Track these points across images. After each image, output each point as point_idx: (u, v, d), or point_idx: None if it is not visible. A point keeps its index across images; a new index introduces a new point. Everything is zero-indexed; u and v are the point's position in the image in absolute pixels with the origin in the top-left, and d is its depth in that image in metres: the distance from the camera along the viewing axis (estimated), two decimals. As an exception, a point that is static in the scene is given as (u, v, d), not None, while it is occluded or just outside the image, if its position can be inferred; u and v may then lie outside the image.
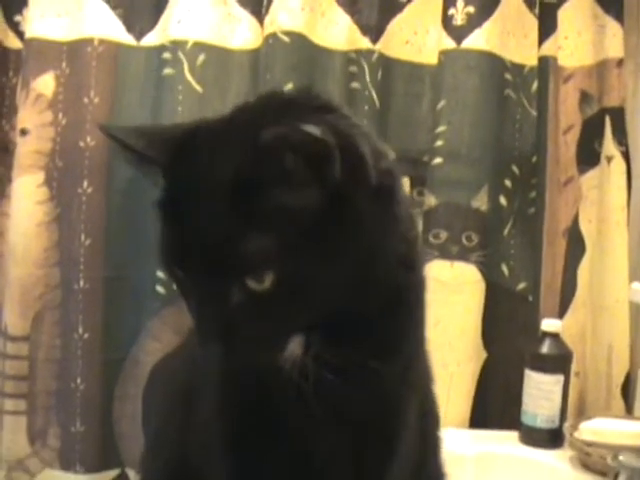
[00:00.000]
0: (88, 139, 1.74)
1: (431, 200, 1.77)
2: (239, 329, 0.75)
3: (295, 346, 0.80)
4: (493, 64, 1.79)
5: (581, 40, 1.82)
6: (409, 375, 0.87)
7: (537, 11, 1.82)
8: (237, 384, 0.85)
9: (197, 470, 0.90)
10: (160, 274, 1.71)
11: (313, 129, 0.70)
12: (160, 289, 1.72)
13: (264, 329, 0.77)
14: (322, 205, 0.74)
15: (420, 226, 1.76)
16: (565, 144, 1.83)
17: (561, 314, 1.82)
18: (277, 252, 0.73)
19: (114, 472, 1.77)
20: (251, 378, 0.83)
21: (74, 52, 1.76)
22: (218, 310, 0.75)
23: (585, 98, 1.83)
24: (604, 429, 1.55)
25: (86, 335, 1.74)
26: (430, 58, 1.82)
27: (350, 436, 0.84)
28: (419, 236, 0.91)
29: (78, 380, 1.74)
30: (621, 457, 1.30)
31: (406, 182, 1.80)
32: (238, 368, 0.83)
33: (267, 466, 0.84)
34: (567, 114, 1.83)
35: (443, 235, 1.76)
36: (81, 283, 1.74)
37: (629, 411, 1.76)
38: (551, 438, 1.64)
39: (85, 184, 1.74)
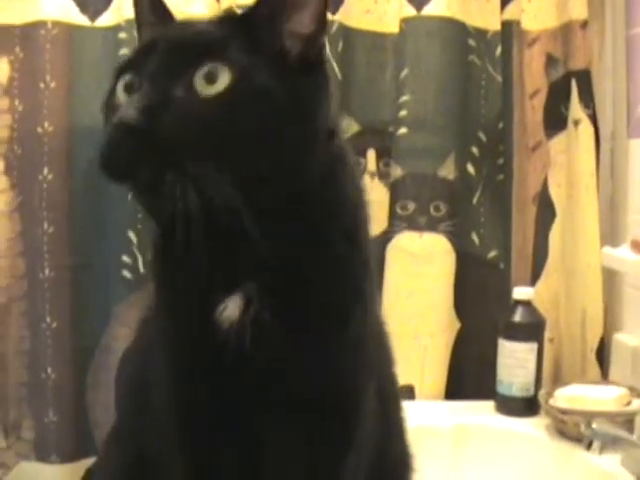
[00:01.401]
0: (46, 125, 1.70)
1: (397, 171, 1.75)
2: (166, 115, 0.72)
3: (233, 307, 0.78)
4: (455, 30, 1.76)
5: (544, 2, 1.79)
6: (364, 358, 0.85)
7: (498, -26, 1.79)
8: (185, 369, 0.83)
9: (153, 461, 0.88)
10: (126, 259, 1.69)
11: None
12: (127, 274, 1.70)
13: (195, 135, 0.72)
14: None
15: (387, 198, 1.75)
16: (532, 109, 1.81)
17: (533, 280, 1.80)
18: (245, 58, 0.74)
19: (90, 460, 1.75)
20: (194, 353, 0.82)
21: (27, 36, 1.72)
22: (153, 92, 0.73)
23: (550, 61, 1.80)
24: (579, 395, 1.54)
25: (54, 324, 1.72)
26: (391, 27, 1.79)
27: (302, 419, 0.82)
28: (370, 218, 0.88)
29: (49, 370, 1.72)
30: (594, 425, 1.30)
31: (372, 154, 1.79)
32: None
33: (220, 455, 0.83)
34: (533, 78, 1.81)
35: (411, 206, 1.74)
36: (46, 272, 1.71)
37: (604, 376, 1.75)
38: (527, 406, 1.63)
39: (45, 171, 1.70)
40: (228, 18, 0.82)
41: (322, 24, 0.79)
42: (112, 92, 0.79)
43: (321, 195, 0.80)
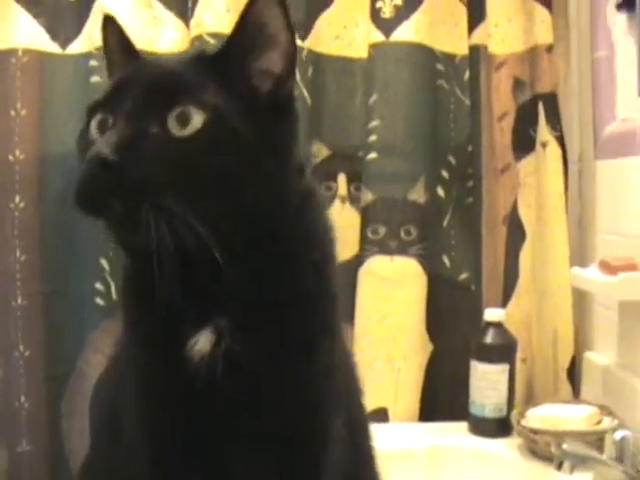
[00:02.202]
0: (17, 152, 1.71)
1: (368, 196, 1.76)
2: (141, 152, 0.73)
3: (204, 342, 0.79)
4: (423, 55, 1.78)
5: (511, 27, 1.82)
6: (332, 388, 0.86)
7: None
8: (156, 400, 0.84)
9: None
10: (99, 286, 1.69)
11: None
12: (99, 301, 1.70)
13: (165, 172, 0.74)
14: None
15: (358, 222, 1.76)
16: (500, 131, 1.83)
17: (505, 302, 1.82)
18: (212, 95, 0.77)
19: (65, 489, 1.75)
20: (164, 385, 0.82)
21: (-2, 63, 1.72)
22: (128, 128, 0.74)
23: (518, 85, 1.83)
24: (550, 415, 1.55)
25: (27, 352, 1.71)
26: (360, 52, 1.81)
27: (270, 451, 0.83)
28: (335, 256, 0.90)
29: (22, 398, 1.71)
30: (564, 445, 1.30)
31: (342, 178, 1.80)
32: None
33: None
34: (500, 101, 1.83)
35: (381, 230, 1.75)
36: (19, 300, 1.71)
37: (576, 394, 1.77)
38: (499, 427, 1.64)
39: (17, 199, 1.71)
40: (199, 57, 0.83)
41: (292, 64, 0.81)
42: (85, 130, 0.80)
43: (291, 231, 0.82)
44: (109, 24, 0.89)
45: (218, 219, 0.74)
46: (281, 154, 0.80)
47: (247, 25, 0.79)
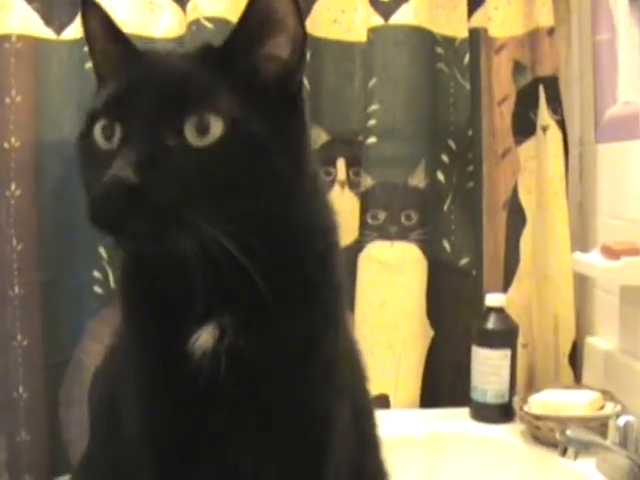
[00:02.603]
0: (13, 140, 1.69)
1: (367, 181, 1.75)
2: (161, 170, 0.70)
3: (207, 337, 0.78)
4: (423, 38, 1.76)
5: (511, 9, 1.80)
6: (336, 378, 0.85)
7: (465, -18, 1.80)
8: (157, 394, 0.82)
9: None
10: (97, 274, 1.68)
11: None
12: (98, 289, 1.69)
13: (186, 186, 0.71)
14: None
15: (358, 207, 1.75)
16: (500, 115, 1.81)
17: (505, 287, 1.81)
18: (230, 101, 0.74)
19: (65, 478, 1.73)
20: (164, 372, 0.81)
21: (-9, 50, 1.70)
22: (145, 146, 0.71)
23: (518, 68, 1.81)
24: (553, 401, 1.54)
25: (25, 342, 1.70)
26: (359, 36, 1.79)
27: (275, 444, 0.81)
28: (339, 243, 0.89)
29: (20, 388, 1.70)
30: (568, 431, 1.30)
31: (341, 163, 1.79)
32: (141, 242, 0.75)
33: None
34: (501, 85, 1.82)
35: (381, 216, 1.74)
36: (16, 289, 1.69)
37: (577, 380, 1.77)
38: (501, 413, 1.64)
39: (13, 187, 1.69)
40: (206, 50, 0.79)
41: (300, 52, 0.79)
42: (86, 134, 0.76)
43: (297, 221, 0.80)
44: (90, 9, 0.82)
45: (237, 223, 0.72)
46: (295, 148, 0.78)
47: (255, 12, 0.76)
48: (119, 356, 0.90)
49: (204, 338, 0.78)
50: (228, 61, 0.76)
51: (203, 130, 0.72)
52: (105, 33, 0.82)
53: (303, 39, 0.78)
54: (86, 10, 0.83)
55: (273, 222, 0.77)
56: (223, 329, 0.78)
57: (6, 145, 1.68)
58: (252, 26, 0.77)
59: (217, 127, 0.72)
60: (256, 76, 0.77)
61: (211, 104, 0.73)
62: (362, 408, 0.95)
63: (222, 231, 0.70)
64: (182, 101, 0.73)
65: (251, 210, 0.74)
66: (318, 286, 0.82)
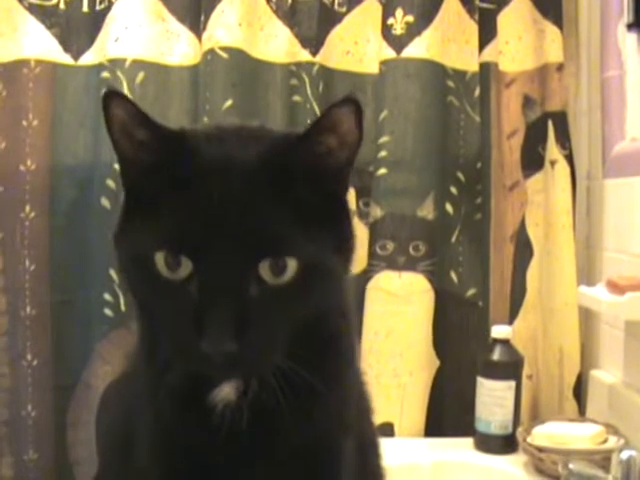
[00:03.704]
0: (29, 162, 1.72)
1: (377, 211, 1.76)
2: (253, 327, 0.70)
3: (229, 390, 0.78)
4: (434, 71, 1.79)
5: (522, 45, 1.83)
6: (347, 416, 0.86)
7: (477, 17, 1.82)
8: (171, 430, 0.82)
9: None
10: (107, 297, 1.70)
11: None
12: (108, 312, 1.71)
13: (271, 331, 0.73)
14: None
15: (367, 237, 1.77)
16: (509, 149, 1.84)
17: (511, 318, 1.82)
18: (302, 239, 0.73)
19: (70, 499, 1.75)
20: (184, 422, 0.81)
21: (10, 74, 1.74)
22: (234, 303, 0.70)
23: (528, 102, 1.83)
24: (556, 433, 1.55)
25: (35, 362, 1.72)
26: (371, 68, 1.82)
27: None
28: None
29: (29, 407, 1.72)
30: (570, 465, 1.31)
31: (352, 193, 1.80)
32: (238, 376, 0.78)
33: None
34: (510, 119, 1.84)
35: (390, 246, 1.75)
36: (28, 309, 1.72)
37: (582, 412, 1.77)
38: (505, 444, 1.64)
39: (27, 208, 1.72)
40: (269, 157, 0.74)
41: (354, 158, 0.78)
42: (149, 260, 0.73)
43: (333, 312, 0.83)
44: (116, 100, 0.75)
45: (298, 341, 0.75)
46: (345, 249, 0.79)
47: (324, 123, 0.75)
48: (133, 385, 0.90)
49: (226, 391, 0.78)
50: (293, 173, 0.74)
51: (279, 271, 0.72)
52: (135, 122, 0.75)
53: (359, 145, 0.77)
54: (111, 102, 0.75)
55: (320, 323, 0.79)
56: (247, 383, 0.78)
57: (22, 168, 1.72)
58: (319, 138, 0.75)
59: (292, 266, 0.72)
60: (317, 188, 0.75)
61: (287, 248, 0.72)
62: (367, 440, 0.96)
63: (289, 354, 0.74)
64: (259, 246, 0.71)
65: (312, 326, 0.76)
66: (338, 336, 0.84)
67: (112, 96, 0.75)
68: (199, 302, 0.71)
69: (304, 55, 1.79)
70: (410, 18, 1.77)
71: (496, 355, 1.66)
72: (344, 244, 0.78)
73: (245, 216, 0.71)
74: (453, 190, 1.81)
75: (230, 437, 0.78)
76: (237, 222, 0.71)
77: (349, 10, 1.82)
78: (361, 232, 1.77)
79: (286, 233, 0.72)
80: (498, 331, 1.67)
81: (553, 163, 1.80)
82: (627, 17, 1.59)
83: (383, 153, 1.76)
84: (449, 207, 1.81)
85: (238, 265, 0.71)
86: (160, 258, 0.72)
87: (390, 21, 1.77)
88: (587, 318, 1.81)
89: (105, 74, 1.72)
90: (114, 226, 0.78)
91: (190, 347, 0.70)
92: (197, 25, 1.76)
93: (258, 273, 0.71)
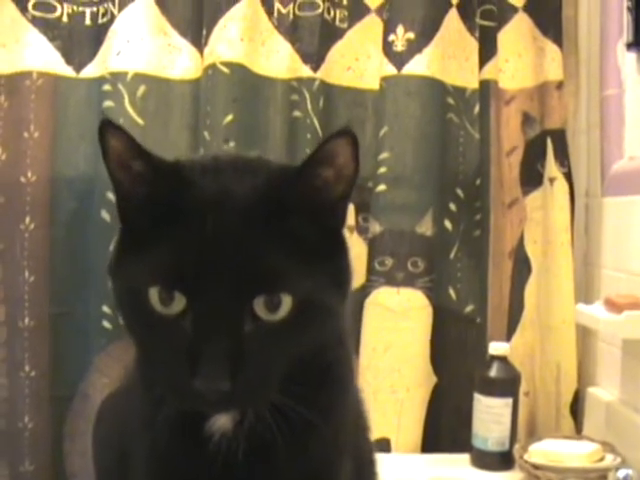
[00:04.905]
0: (29, 174, 1.73)
1: (376, 227, 1.77)
2: (247, 365, 0.70)
3: (226, 421, 0.78)
4: (434, 88, 1.80)
5: (521, 62, 1.84)
6: (343, 440, 0.85)
7: (477, 34, 1.84)
8: (167, 459, 0.82)
9: None
10: (106, 309, 1.70)
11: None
12: (106, 324, 1.71)
13: (266, 368, 0.72)
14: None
15: (365, 253, 1.77)
16: (508, 166, 1.85)
17: (509, 335, 1.83)
18: (297, 275, 0.72)
19: (66, 511, 1.75)
20: (180, 450, 0.80)
21: (12, 85, 1.75)
22: (228, 340, 0.69)
23: (527, 120, 1.84)
24: (553, 451, 1.55)
25: (33, 373, 1.72)
26: (372, 84, 1.83)
27: None
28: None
29: (26, 418, 1.72)
30: (567, 484, 1.31)
31: (351, 209, 1.81)
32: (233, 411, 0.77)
33: None
34: (510, 136, 1.85)
35: (388, 262, 1.76)
36: (26, 320, 1.72)
37: (578, 430, 1.77)
38: (502, 461, 1.64)
39: (27, 220, 1.72)
40: (266, 192, 0.74)
41: (351, 190, 0.77)
42: (143, 295, 0.72)
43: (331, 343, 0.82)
44: (111, 130, 0.73)
45: (295, 376, 0.74)
46: (342, 280, 0.78)
47: (319, 156, 0.74)
48: (130, 400, 0.89)
49: (223, 420, 0.78)
50: (289, 207, 0.73)
51: (274, 308, 0.71)
52: (130, 153, 0.73)
53: (355, 178, 0.76)
54: (107, 132, 0.74)
55: (316, 356, 0.78)
56: (244, 413, 0.78)
57: (23, 179, 1.72)
58: (316, 170, 0.74)
59: (287, 303, 0.71)
60: (313, 222, 0.75)
61: (282, 284, 0.71)
62: (364, 458, 0.96)
63: (284, 389, 0.73)
64: (253, 282, 0.70)
65: (308, 359, 0.75)
66: (336, 363, 0.83)
67: (107, 127, 0.74)
68: (193, 338, 0.70)
69: (305, 71, 1.80)
70: (411, 35, 1.78)
71: (493, 372, 1.66)
72: (340, 278, 0.77)
73: (240, 251, 0.70)
74: (452, 206, 1.82)
75: (226, 467, 0.78)
76: (231, 257, 0.70)
77: (350, 26, 1.84)
78: (360, 248, 1.78)
79: (281, 268, 0.71)
80: (496, 348, 1.67)
81: (552, 180, 1.81)
82: (627, 36, 1.61)
83: (383, 169, 1.77)
84: (448, 223, 1.81)
85: (232, 301, 0.70)
86: (154, 293, 0.71)
87: (391, 38, 1.79)
88: (584, 336, 1.82)
89: (106, 87, 1.73)
90: (110, 258, 0.77)
91: (184, 384, 0.70)
92: (199, 39, 1.77)
93: (253, 309, 0.70)
